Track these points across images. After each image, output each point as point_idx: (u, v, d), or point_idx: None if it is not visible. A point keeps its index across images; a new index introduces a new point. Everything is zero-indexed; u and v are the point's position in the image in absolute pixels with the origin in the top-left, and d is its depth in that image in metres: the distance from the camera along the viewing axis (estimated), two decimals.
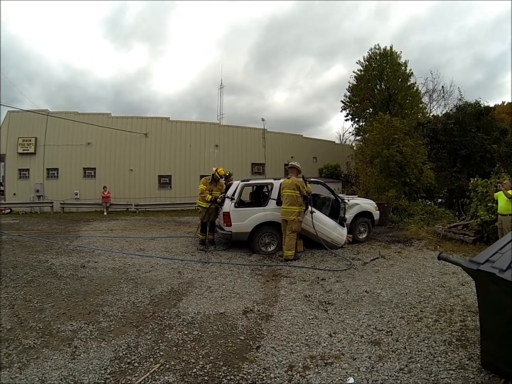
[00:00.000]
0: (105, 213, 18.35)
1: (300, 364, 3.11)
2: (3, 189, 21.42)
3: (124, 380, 2.88)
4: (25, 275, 5.89)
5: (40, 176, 21.22)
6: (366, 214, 9.23)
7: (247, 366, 3.10)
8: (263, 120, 24.97)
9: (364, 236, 9.16)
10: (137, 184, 22.00)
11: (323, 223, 7.86)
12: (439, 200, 18.08)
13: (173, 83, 79.93)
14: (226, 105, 73.88)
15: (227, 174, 9.67)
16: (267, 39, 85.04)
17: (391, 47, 22.54)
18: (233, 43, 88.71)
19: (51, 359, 3.18)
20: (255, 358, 3.24)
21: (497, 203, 8.02)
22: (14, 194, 20.88)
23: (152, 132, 22.30)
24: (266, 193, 8.73)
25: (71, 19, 73.96)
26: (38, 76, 65.76)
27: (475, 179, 9.89)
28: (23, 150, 21.03)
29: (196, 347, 3.46)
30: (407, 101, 22.41)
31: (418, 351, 3.30)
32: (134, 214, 18.58)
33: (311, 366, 3.09)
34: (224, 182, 9.10)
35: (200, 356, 3.28)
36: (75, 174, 21.55)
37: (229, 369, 3.05)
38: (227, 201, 7.94)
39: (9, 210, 18.69)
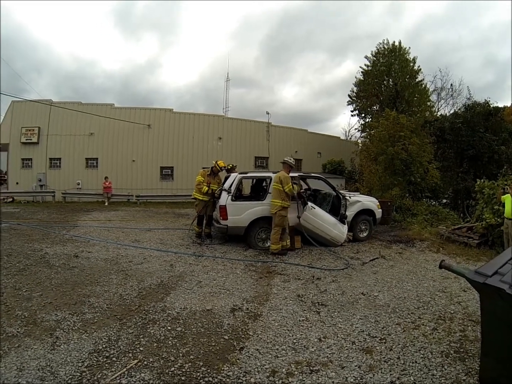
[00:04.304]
0: (106, 204, 18.30)
1: (284, 370, 2.93)
2: (6, 178, 21.46)
3: (100, 374, 2.82)
4: (18, 263, 5.85)
5: (43, 165, 21.29)
6: (367, 212, 8.99)
7: (227, 368, 2.95)
8: (267, 113, 24.75)
9: (365, 234, 8.94)
10: (139, 175, 21.93)
11: (323, 220, 7.65)
12: (444, 200, 17.77)
13: (182, 75, 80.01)
14: (235, 98, 73.72)
15: (230, 166, 9.50)
16: (279, 33, 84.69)
17: (399, 43, 22.17)
18: (245, 36, 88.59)
19: (32, 349, 3.16)
20: (237, 360, 3.07)
21: (504, 206, 7.74)
22: (17, 183, 20.98)
23: (155, 123, 22.17)
24: (265, 187, 8.53)
25: (81, 8, 73.86)
26: (47, 66, 65.98)
27: (482, 180, 9.62)
28: (26, 139, 21.13)
29: (178, 345, 3.33)
30: (415, 98, 22.05)
31: (413, 363, 3.10)
32: (135, 205, 18.49)
33: (296, 372, 2.90)
34: (227, 175, 8.94)
35: (180, 354, 3.15)
36: (78, 164, 21.56)
37: (208, 370, 2.90)
38: (224, 194, 7.76)
39: (11, 199, 18.67)
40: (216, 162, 8.56)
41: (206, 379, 2.78)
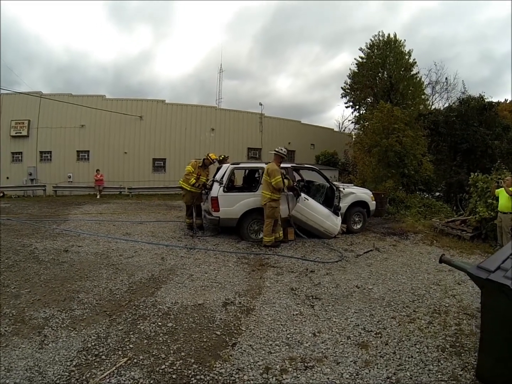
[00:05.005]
0: (98, 197, 18.10)
1: (277, 366, 2.85)
2: None
3: (89, 373, 2.72)
4: (7, 259, 5.69)
5: (33, 159, 20.90)
6: (361, 203, 8.93)
7: (219, 365, 2.86)
8: (261, 104, 24.63)
9: (358, 226, 8.88)
10: (131, 167, 21.69)
11: (317, 211, 7.59)
12: (437, 193, 17.84)
13: (176, 67, 79.17)
14: (229, 90, 73.02)
15: (222, 157, 9.40)
16: (274, 24, 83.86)
17: (395, 35, 22.10)
18: (239, 27, 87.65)
19: (19, 348, 3.06)
20: (230, 357, 2.99)
21: (497, 200, 7.73)
22: (7, 177, 20.55)
23: (147, 114, 21.89)
24: (258, 178, 8.42)
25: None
26: (38, 58, 64.67)
27: (476, 174, 9.58)
28: (16, 133, 20.69)
29: (168, 341, 3.24)
30: (409, 91, 22.05)
31: (409, 357, 3.03)
32: (127, 197, 18.30)
33: (290, 369, 2.82)
34: (218, 166, 8.83)
35: (171, 351, 3.06)
36: (69, 157, 21.20)
37: (200, 368, 2.81)
38: (215, 185, 7.64)
39: (1, 194, 18.32)
40: (208, 154, 8.44)
41: (198, 376, 2.69)
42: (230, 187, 8.04)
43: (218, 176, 7.85)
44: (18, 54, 56.22)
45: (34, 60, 63.72)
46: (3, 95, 20.71)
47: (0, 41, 38.34)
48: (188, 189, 8.12)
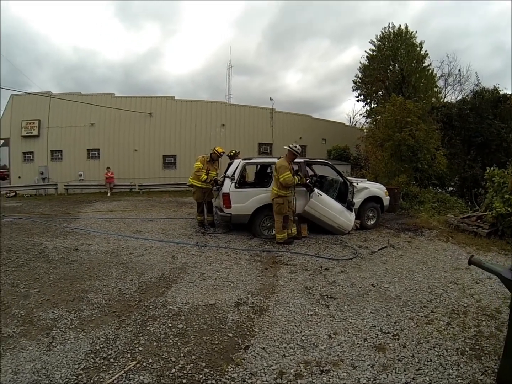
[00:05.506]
0: (108, 194, 18.25)
1: (292, 371, 2.72)
2: (8, 172, 21.41)
3: (97, 377, 2.65)
4: (17, 259, 5.71)
5: (44, 158, 21.19)
6: (375, 199, 8.71)
7: (231, 369, 2.75)
8: (271, 99, 24.53)
9: (372, 222, 8.68)
10: (142, 165, 21.84)
11: (330, 207, 7.44)
12: (450, 188, 17.44)
13: (185, 64, 79.54)
14: (238, 86, 73.08)
15: (233, 153, 9.28)
16: (282, 19, 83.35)
17: (406, 26, 21.68)
18: (248, 23, 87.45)
19: (27, 350, 3.01)
20: (242, 360, 2.87)
21: None
22: (19, 177, 20.93)
23: (157, 111, 21.97)
24: (270, 174, 8.28)
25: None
26: (47, 59, 65.47)
27: (492, 168, 9.26)
28: (27, 133, 21.00)
29: (179, 343, 3.14)
30: (421, 84, 21.60)
31: (428, 361, 2.88)
32: (137, 194, 18.43)
33: (305, 373, 2.69)
34: (230, 161, 8.74)
35: (182, 354, 2.96)
36: (79, 156, 21.44)
37: (211, 372, 2.71)
38: (227, 181, 7.52)
39: (14, 193, 18.63)
40: (214, 148, 8.34)
41: (209, 381, 2.59)
42: (242, 183, 7.94)
43: (229, 172, 7.73)
44: (27, 55, 57.19)
45: (43, 61, 64.66)
46: (14, 96, 20.99)
47: (0, 40, 38.90)
48: (199, 185, 8.02)
